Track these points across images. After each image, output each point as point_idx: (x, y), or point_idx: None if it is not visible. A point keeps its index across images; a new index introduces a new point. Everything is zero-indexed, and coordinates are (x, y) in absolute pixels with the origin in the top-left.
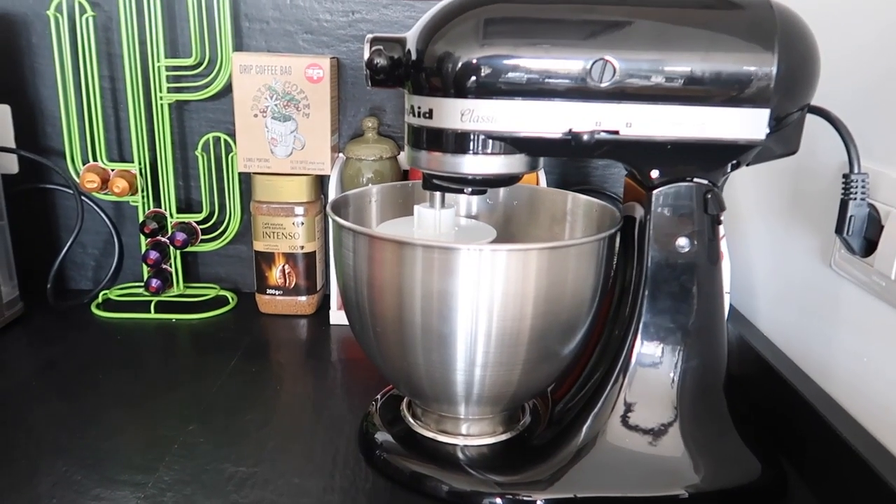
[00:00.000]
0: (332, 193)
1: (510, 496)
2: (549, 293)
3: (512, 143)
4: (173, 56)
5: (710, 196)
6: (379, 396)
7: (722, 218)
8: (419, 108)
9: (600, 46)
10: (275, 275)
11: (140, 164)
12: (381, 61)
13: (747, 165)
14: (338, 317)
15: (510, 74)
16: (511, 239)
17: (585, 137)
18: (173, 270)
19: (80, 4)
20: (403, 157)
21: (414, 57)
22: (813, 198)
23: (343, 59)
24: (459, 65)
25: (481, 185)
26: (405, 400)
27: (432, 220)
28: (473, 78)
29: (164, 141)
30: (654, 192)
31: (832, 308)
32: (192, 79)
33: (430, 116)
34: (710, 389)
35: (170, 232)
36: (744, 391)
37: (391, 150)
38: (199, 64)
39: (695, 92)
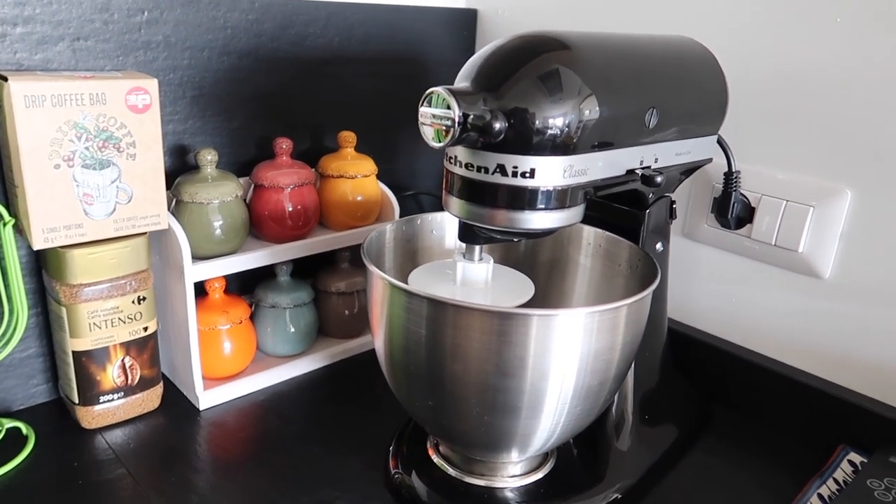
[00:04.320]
0: (186, 251)
1: None
2: (633, 338)
3: (598, 189)
4: None
5: (674, 206)
6: (393, 455)
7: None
8: (515, 167)
9: (651, 97)
10: (111, 375)
11: None
12: (501, 125)
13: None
14: (209, 398)
15: (615, 129)
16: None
17: (658, 179)
18: None
19: None
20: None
21: (521, 117)
22: None
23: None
24: (576, 124)
25: (538, 236)
26: (431, 447)
27: (482, 274)
28: (581, 135)
29: None
30: (648, 210)
31: (693, 266)
32: None
33: (533, 176)
34: (659, 349)
35: None
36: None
37: (237, 186)
38: None
39: (692, 127)
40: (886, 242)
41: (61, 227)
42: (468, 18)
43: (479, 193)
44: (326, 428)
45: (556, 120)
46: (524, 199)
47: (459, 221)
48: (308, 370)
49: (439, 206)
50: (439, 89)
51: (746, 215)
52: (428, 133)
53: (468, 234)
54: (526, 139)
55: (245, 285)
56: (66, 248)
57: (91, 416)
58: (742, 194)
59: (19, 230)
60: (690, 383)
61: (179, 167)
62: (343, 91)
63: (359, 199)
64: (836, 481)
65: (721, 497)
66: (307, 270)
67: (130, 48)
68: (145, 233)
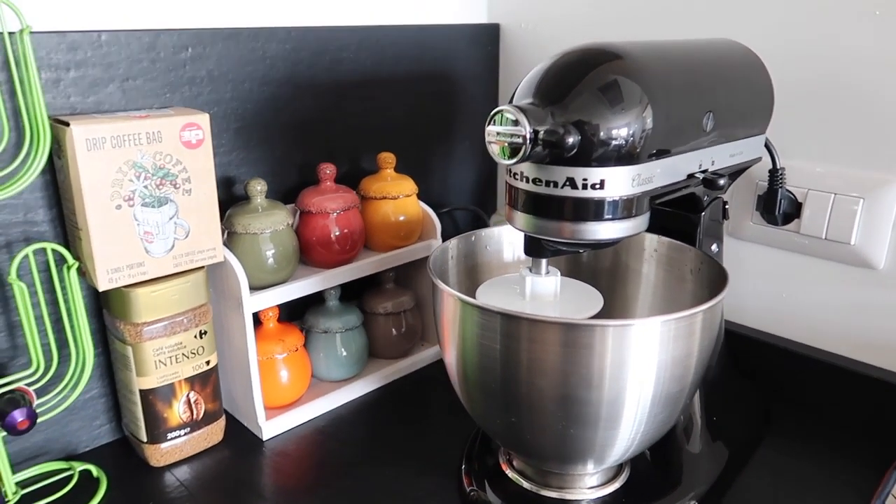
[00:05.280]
0: (243, 282)
1: None
2: (710, 342)
3: (656, 198)
4: None
5: (726, 206)
6: (465, 472)
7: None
8: (585, 180)
9: (707, 100)
10: (177, 412)
11: None
12: (574, 139)
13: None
14: (271, 428)
15: (676, 135)
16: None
17: (722, 181)
18: None
19: None
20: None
21: (587, 129)
22: None
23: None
24: (640, 132)
25: (605, 246)
26: (504, 462)
27: (550, 287)
28: (645, 143)
29: None
30: (703, 213)
31: (740, 264)
32: None
33: (602, 187)
34: (717, 350)
35: None
36: None
37: (287, 215)
38: None
39: (744, 128)
40: None
41: (124, 267)
42: (491, 33)
43: (546, 207)
44: (392, 449)
45: (620, 130)
46: (593, 210)
47: (525, 236)
48: (363, 392)
49: (474, 223)
50: (507, 107)
51: (793, 211)
52: (496, 151)
53: (534, 247)
54: (594, 151)
55: (293, 312)
56: (129, 288)
57: (159, 454)
58: (788, 190)
59: (82, 272)
60: (749, 382)
61: (226, 199)
62: (376, 112)
63: (401, 219)
64: None
65: (803, 493)
66: (352, 293)
67: (177, 85)
68: (203, 267)
